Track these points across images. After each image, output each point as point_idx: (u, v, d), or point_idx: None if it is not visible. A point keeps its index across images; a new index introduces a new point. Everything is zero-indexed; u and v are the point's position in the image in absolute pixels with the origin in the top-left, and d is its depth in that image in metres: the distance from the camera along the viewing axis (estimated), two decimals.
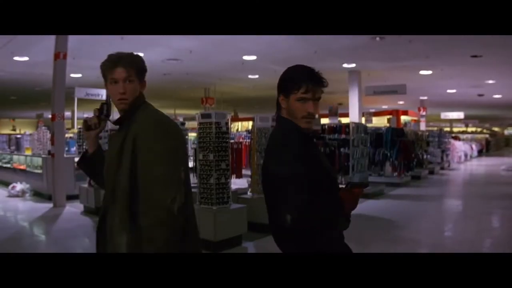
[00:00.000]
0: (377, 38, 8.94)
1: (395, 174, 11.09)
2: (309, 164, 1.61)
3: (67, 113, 10.51)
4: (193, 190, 3.42)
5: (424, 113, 20.95)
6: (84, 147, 8.00)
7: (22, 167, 10.66)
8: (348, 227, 1.72)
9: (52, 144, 8.28)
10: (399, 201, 9.02)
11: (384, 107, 22.16)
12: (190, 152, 7.07)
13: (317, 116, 1.76)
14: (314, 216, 1.55)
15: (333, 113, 14.53)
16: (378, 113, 20.71)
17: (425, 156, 14.24)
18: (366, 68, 12.53)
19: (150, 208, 1.61)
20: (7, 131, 27.82)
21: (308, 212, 1.53)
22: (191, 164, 5.87)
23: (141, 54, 7.55)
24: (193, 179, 5.09)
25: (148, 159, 1.65)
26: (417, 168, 12.59)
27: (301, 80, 1.67)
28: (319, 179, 1.64)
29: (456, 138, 21.73)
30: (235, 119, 22.19)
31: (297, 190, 1.53)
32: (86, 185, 7.60)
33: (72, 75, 12.17)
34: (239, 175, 7.38)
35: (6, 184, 10.18)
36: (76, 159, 9.47)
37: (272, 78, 13.53)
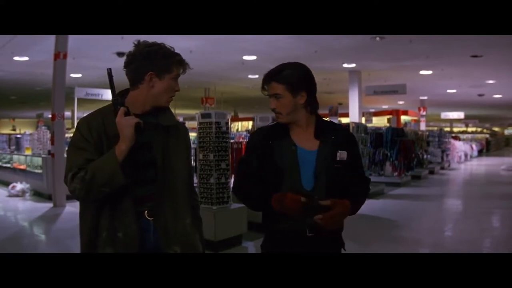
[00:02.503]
0: (377, 38, 8.94)
1: (395, 174, 11.09)
2: (262, 157, 1.85)
3: (67, 113, 10.54)
4: None
5: (424, 113, 20.97)
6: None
7: (22, 167, 10.65)
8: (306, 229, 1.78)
9: (52, 144, 8.28)
10: (399, 201, 9.03)
11: (384, 107, 22.18)
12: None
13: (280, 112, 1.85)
14: (241, 196, 1.95)
15: (333, 113, 14.55)
16: (378, 113, 20.73)
17: (425, 156, 14.24)
18: (366, 68, 12.53)
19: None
20: (7, 131, 27.83)
21: (236, 191, 1.96)
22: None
23: None
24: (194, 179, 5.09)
25: (188, 154, 1.89)
26: (417, 168, 12.59)
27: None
28: (265, 171, 1.83)
29: (456, 138, 21.73)
30: (235, 119, 22.20)
31: (238, 173, 1.98)
32: None
33: (72, 75, 12.18)
34: None
35: (6, 184, 10.18)
36: None
37: None
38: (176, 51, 1.75)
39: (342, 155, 1.84)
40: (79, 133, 1.67)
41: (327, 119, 2.03)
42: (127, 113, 1.63)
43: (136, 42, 1.72)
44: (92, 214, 1.67)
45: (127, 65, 1.72)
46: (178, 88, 1.77)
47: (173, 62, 1.71)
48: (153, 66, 1.67)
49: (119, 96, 1.73)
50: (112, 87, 1.70)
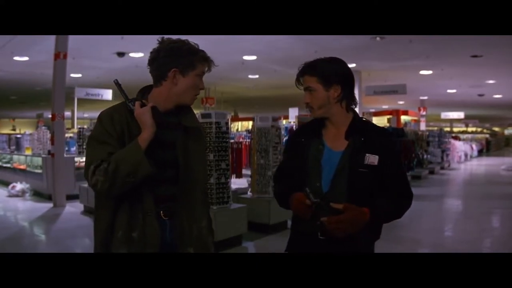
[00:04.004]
0: (377, 38, 8.94)
1: None
2: (293, 155, 1.85)
3: (67, 113, 10.52)
4: None
5: (424, 113, 20.96)
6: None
7: (22, 167, 10.65)
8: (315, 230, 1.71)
9: (52, 144, 8.28)
10: None
11: (384, 107, 22.17)
12: None
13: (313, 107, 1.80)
14: (275, 188, 1.98)
15: None
16: (378, 113, 20.70)
17: (425, 156, 14.23)
18: (366, 68, 12.53)
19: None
20: (7, 131, 27.83)
21: (274, 184, 1.99)
22: None
23: (141, 54, 7.58)
24: None
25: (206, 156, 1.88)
26: (417, 168, 12.58)
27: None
28: (294, 170, 1.82)
29: (456, 138, 21.72)
30: (235, 119, 22.19)
31: (278, 168, 2.02)
32: (86, 185, 7.60)
33: (72, 75, 12.18)
34: (239, 175, 7.38)
35: (6, 184, 10.18)
36: (76, 159, 9.41)
37: (272, 78, 13.57)
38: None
39: (371, 159, 1.71)
40: (102, 127, 1.62)
41: (365, 118, 1.90)
42: (142, 105, 1.63)
43: (160, 39, 1.69)
44: (109, 212, 1.62)
45: (151, 62, 1.69)
46: (203, 86, 1.74)
47: (197, 58, 1.68)
48: (176, 62, 1.64)
49: (140, 94, 1.73)
50: (124, 95, 1.69)
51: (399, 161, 1.82)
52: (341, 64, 1.80)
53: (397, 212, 1.80)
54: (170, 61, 1.64)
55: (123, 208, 1.62)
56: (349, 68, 1.81)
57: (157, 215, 1.65)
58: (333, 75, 1.74)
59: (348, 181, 1.71)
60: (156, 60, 1.66)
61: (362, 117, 1.87)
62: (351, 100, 1.79)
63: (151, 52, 1.69)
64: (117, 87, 1.70)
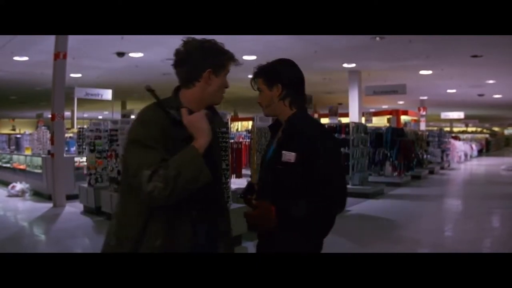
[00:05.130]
0: (377, 38, 8.94)
1: (395, 174, 11.09)
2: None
3: (67, 113, 10.52)
4: None
5: (424, 113, 20.96)
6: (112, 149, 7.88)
7: (22, 167, 10.65)
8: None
9: (52, 144, 8.28)
10: (399, 201, 9.02)
11: (384, 107, 22.17)
12: None
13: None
14: None
15: (333, 113, 14.53)
16: (378, 113, 20.73)
17: (425, 156, 14.24)
18: (366, 68, 12.53)
19: None
20: (7, 131, 27.82)
21: None
22: None
23: (141, 54, 7.56)
24: None
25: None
26: (417, 168, 12.59)
27: None
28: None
29: (456, 138, 21.73)
30: (235, 119, 22.20)
31: None
32: (85, 185, 7.60)
33: (72, 75, 12.18)
34: (239, 175, 7.38)
35: (6, 184, 10.18)
36: (76, 159, 9.38)
37: None
38: (174, 51, 1.71)
39: (287, 156, 1.73)
40: (147, 130, 1.53)
41: (316, 117, 1.99)
42: (190, 112, 1.59)
43: (185, 39, 1.64)
44: (142, 219, 1.54)
45: (181, 63, 1.63)
46: (228, 85, 1.73)
47: (227, 58, 1.68)
48: (210, 63, 1.61)
49: (173, 98, 1.67)
50: (160, 101, 1.62)
51: (323, 160, 1.70)
52: (285, 65, 1.87)
53: (312, 213, 1.68)
54: (204, 62, 1.61)
55: (158, 215, 1.54)
56: (294, 69, 1.86)
57: (193, 220, 1.60)
58: (274, 76, 1.83)
59: (271, 178, 1.81)
60: (188, 61, 1.62)
61: (304, 115, 1.86)
62: (295, 99, 1.84)
63: (177, 53, 1.64)
64: (151, 93, 1.63)
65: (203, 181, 1.51)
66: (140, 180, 1.44)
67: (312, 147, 1.70)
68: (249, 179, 6.62)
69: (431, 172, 14.49)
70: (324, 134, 1.80)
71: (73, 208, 7.77)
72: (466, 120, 30.25)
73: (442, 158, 16.50)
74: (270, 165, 1.83)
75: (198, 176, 1.49)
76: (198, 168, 1.49)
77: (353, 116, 13.20)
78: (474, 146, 24.83)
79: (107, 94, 13.73)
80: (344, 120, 12.33)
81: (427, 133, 15.76)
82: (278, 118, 1.90)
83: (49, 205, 8.07)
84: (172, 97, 1.67)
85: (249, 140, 8.06)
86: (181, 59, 1.63)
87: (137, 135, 1.54)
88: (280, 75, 1.83)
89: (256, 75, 1.88)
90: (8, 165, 11.61)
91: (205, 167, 1.51)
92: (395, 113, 20.37)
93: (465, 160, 21.59)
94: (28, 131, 15.62)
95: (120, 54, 10.24)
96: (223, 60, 1.66)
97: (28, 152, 10.70)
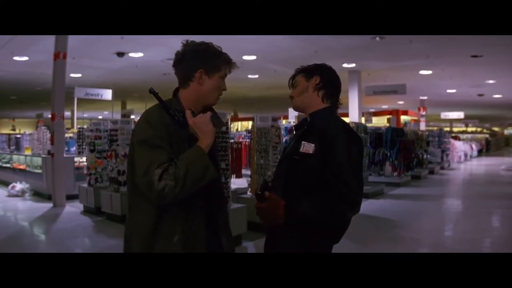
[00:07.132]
0: (377, 38, 8.94)
1: (395, 174, 11.09)
2: None
3: (67, 113, 10.53)
4: None
5: (424, 113, 20.96)
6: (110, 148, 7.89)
7: (22, 167, 10.66)
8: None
9: (52, 144, 8.28)
10: (399, 201, 9.02)
11: (384, 107, 22.17)
12: None
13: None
14: None
15: None
16: (378, 113, 20.71)
17: (425, 156, 14.24)
18: (366, 68, 12.53)
19: None
20: (7, 131, 27.83)
21: None
22: None
23: (141, 54, 7.57)
24: None
25: None
26: (417, 168, 12.59)
27: None
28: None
29: (456, 138, 21.73)
30: (235, 119, 22.19)
31: None
32: (85, 185, 7.60)
33: (72, 75, 12.18)
34: (239, 175, 7.38)
35: (6, 184, 10.18)
36: (76, 159, 9.38)
37: (272, 78, 13.55)
38: (176, 51, 1.76)
39: (306, 147, 1.68)
40: (153, 130, 1.60)
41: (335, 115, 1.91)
42: (194, 114, 1.66)
43: (184, 42, 1.73)
44: (153, 220, 1.61)
45: (177, 63, 1.73)
46: (225, 87, 1.79)
47: (221, 61, 1.73)
48: (202, 64, 1.69)
49: (174, 100, 1.74)
50: (164, 103, 1.69)
51: (345, 159, 1.62)
52: (327, 66, 1.90)
53: (326, 215, 1.61)
54: (196, 63, 1.69)
55: (170, 213, 1.61)
56: (334, 72, 1.89)
57: (204, 216, 1.68)
58: (314, 69, 1.86)
59: (285, 169, 1.77)
60: (183, 62, 1.71)
61: (331, 111, 1.84)
62: (330, 93, 1.84)
63: (176, 55, 1.73)
64: (155, 95, 1.70)
65: (209, 178, 1.61)
66: (152, 178, 1.51)
67: (332, 143, 1.65)
68: (249, 179, 6.62)
69: (431, 172, 14.49)
70: (348, 134, 1.72)
71: (73, 208, 7.78)
72: (466, 120, 30.25)
73: (442, 158, 16.50)
74: (287, 156, 1.80)
75: (205, 173, 1.59)
76: (205, 166, 1.59)
77: (353, 116, 13.20)
78: (474, 146, 24.83)
79: (107, 94, 13.72)
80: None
81: (427, 133, 15.75)
82: (305, 113, 1.86)
83: (49, 205, 8.08)
84: (173, 99, 1.76)
85: (249, 140, 8.05)
86: (178, 60, 1.73)
87: (145, 136, 1.61)
88: (321, 70, 1.86)
89: (297, 72, 1.90)
90: (8, 165, 11.62)
91: (211, 165, 1.61)
92: (395, 113, 20.36)
93: (465, 160, 21.59)
94: (28, 131, 15.62)
95: (120, 54, 10.24)
96: (216, 62, 1.72)
97: (28, 152, 10.71)
